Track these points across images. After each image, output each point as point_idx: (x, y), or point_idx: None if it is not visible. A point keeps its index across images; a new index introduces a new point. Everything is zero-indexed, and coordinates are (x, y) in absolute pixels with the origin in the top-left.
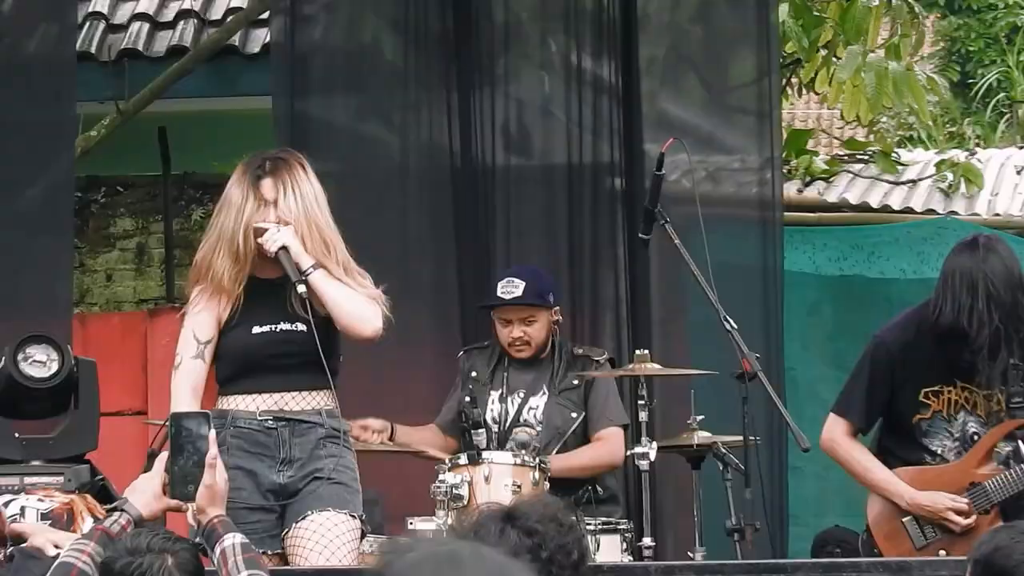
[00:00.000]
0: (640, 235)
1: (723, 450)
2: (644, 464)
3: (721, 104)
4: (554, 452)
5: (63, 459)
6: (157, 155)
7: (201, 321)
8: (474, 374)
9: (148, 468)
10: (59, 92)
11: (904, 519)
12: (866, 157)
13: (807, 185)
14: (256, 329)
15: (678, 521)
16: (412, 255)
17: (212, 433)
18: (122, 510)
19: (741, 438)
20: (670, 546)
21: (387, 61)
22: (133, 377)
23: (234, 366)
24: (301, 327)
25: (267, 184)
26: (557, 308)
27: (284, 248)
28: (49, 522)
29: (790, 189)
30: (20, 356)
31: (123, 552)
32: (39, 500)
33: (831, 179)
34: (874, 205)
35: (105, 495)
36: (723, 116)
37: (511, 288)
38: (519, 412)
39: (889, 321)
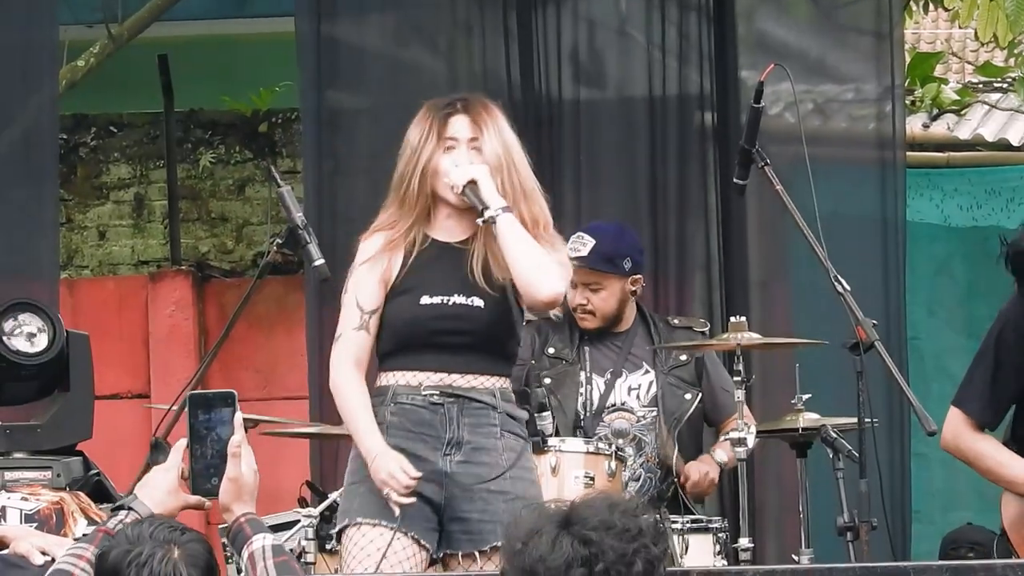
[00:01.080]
0: (735, 180)
1: (834, 434)
2: (741, 452)
3: (832, 23)
4: (673, 439)
5: (51, 450)
6: (157, 88)
7: (365, 286)
8: (551, 350)
9: (152, 460)
10: (38, 13)
11: None
12: (1005, 85)
13: (934, 119)
14: (425, 299)
15: (781, 519)
16: None
17: (238, 416)
18: (130, 508)
19: (855, 420)
20: (771, 548)
21: None
22: (132, 354)
23: (396, 339)
24: (479, 302)
25: (461, 121)
26: (636, 277)
27: (473, 182)
28: (35, 524)
29: (914, 124)
30: (4, 326)
31: (121, 541)
32: (23, 499)
33: (963, 112)
34: (1015, 142)
35: (100, 492)
36: (834, 37)
37: (578, 246)
38: (607, 395)
39: (1016, 294)
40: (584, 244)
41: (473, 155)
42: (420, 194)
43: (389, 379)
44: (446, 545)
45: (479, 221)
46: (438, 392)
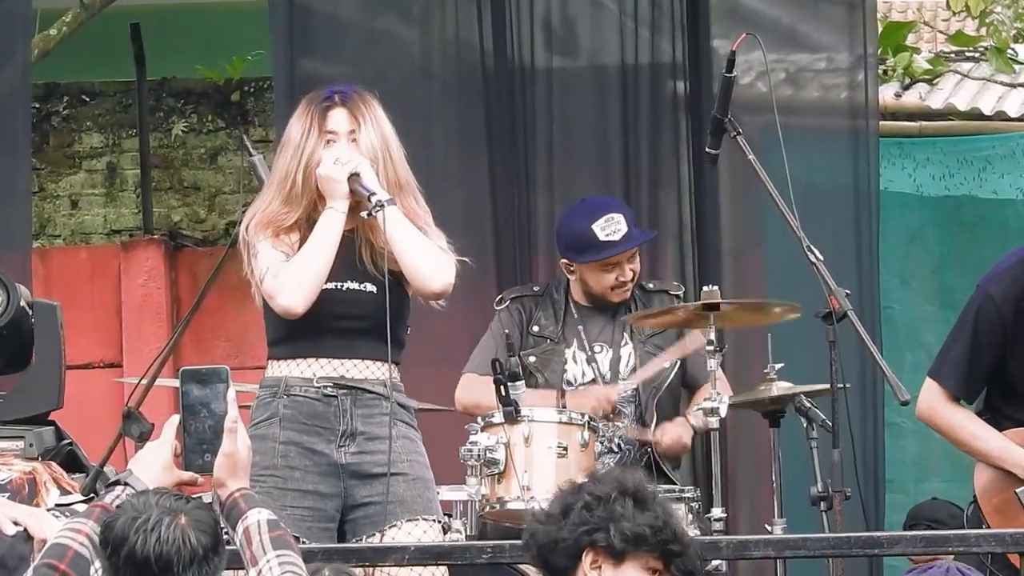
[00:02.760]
0: (707, 149)
1: (807, 404)
2: (714, 421)
3: None
4: (652, 408)
5: (22, 420)
6: (130, 57)
7: (277, 248)
8: (536, 328)
9: (124, 430)
10: None
11: (1019, 489)
12: (977, 54)
13: (906, 88)
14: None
15: (753, 488)
16: (436, 175)
17: (231, 392)
18: (125, 483)
19: (828, 389)
20: (744, 517)
21: None
22: (104, 323)
23: (288, 325)
24: (371, 288)
25: (339, 115)
26: None
27: (356, 174)
28: (7, 495)
29: (886, 93)
30: None
31: (127, 510)
32: None
33: (935, 81)
34: (986, 112)
35: (73, 462)
36: (806, 6)
37: (616, 227)
38: (616, 364)
39: (995, 266)
40: (619, 223)
41: (353, 148)
42: (305, 190)
43: (282, 369)
44: (351, 534)
45: (363, 214)
46: (331, 384)
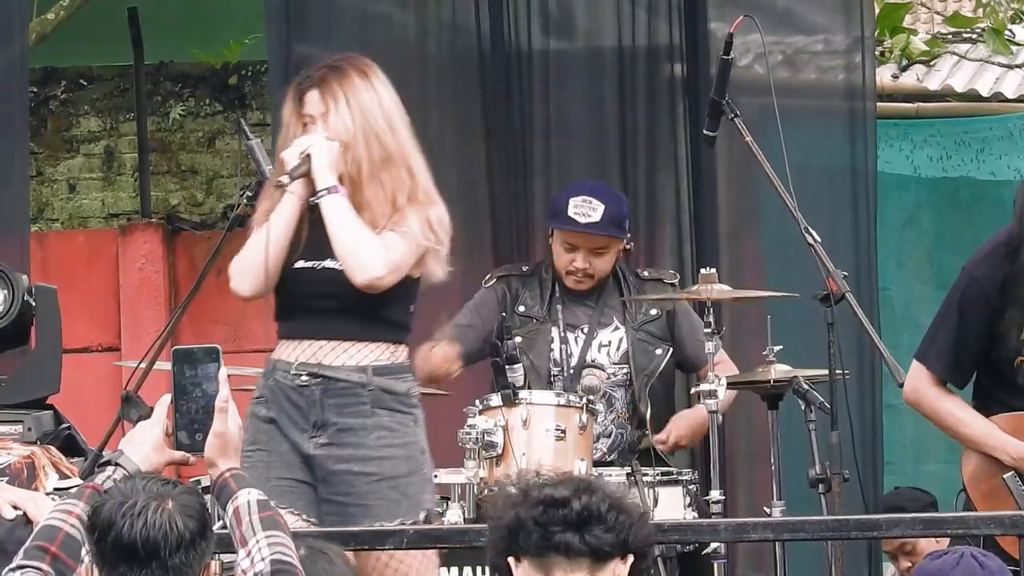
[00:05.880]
0: (705, 132)
1: (805, 386)
2: (712, 404)
3: None
4: (646, 396)
5: (20, 404)
6: (127, 41)
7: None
8: (522, 308)
9: (122, 413)
10: None
11: (1006, 475)
12: (974, 36)
13: (904, 70)
14: (299, 263)
15: (752, 471)
16: (433, 158)
17: (223, 372)
18: (117, 464)
19: (826, 372)
20: (742, 500)
21: None
22: (102, 307)
23: (277, 305)
24: None
25: (312, 98)
26: (628, 238)
27: (308, 156)
28: (6, 479)
29: (883, 75)
30: None
31: (114, 495)
32: None
33: (932, 62)
34: (983, 93)
35: (71, 446)
36: None
37: (587, 210)
38: (584, 351)
39: (979, 249)
40: (594, 208)
41: (323, 130)
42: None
43: (275, 351)
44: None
45: (310, 200)
46: (306, 373)
